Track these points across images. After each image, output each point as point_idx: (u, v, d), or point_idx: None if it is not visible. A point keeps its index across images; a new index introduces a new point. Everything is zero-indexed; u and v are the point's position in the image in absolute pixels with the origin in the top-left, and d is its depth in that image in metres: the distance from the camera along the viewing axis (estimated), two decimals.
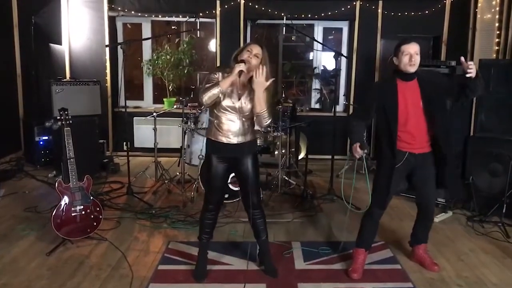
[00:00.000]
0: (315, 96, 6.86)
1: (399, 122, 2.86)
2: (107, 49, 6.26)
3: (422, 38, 6.22)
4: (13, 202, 4.36)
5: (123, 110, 4.80)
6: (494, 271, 3.14)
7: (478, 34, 5.70)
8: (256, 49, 2.75)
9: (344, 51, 6.53)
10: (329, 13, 6.23)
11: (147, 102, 6.82)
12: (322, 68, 6.72)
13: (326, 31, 6.85)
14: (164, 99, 6.61)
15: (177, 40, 6.97)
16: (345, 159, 5.91)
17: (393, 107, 2.86)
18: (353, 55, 6.31)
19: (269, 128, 4.74)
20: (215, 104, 2.78)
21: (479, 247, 3.52)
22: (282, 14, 5.91)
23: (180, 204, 4.31)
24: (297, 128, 5.37)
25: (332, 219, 4.05)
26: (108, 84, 6.42)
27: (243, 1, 6.22)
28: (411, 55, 2.80)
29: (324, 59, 6.77)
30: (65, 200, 3.33)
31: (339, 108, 6.40)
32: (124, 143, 5.26)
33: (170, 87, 6.63)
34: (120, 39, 6.58)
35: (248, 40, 6.44)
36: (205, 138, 3.03)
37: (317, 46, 6.35)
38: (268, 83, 2.70)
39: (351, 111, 6.29)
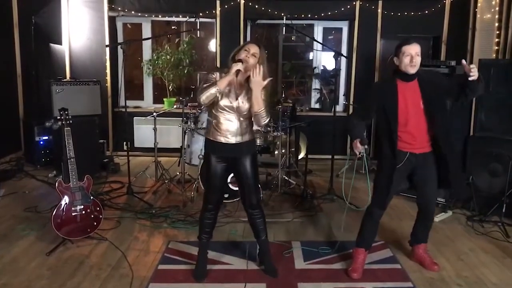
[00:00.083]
0: (315, 96, 6.87)
1: (399, 123, 2.86)
2: (107, 49, 6.26)
3: (422, 38, 6.21)
4: (13, 202, 4.37)
5: (123, 110, 4.81)
6: (494, 271, 3.14)
7: (478, 34, 5.70)
8: (254, 49, 2.76)
9: (344, 51, 6.53)
10: (329, 13, 6.23)
11: (147, 102, 6.83)
12: (322, 68, 6.72)
13: (326, 31, 6.85)
14: (164, 99, 6.61)
15: (177, 40, 6.97)
16: (345, 159, 5.91)
17: (393, 108, 2.86)
18: (353, 55, 6.31)
19: (269, 128, 4.74)
20: (213, 104, 2.79)
21: (479, 247, 3.53)
22: (282, 14, 5.91)
23: (180, 204, 4.32)
24: (297, 128, 5.37)
25: (332, 219, 4.06)
26: (108, 84, 6.42)
27: (243, 1, 6.22)
28: (412, 56, 2.79)
29: (324, 59, 6.77)
30: (65, 200, 3.33)
31: (339, 108, 6.40)
32: (124, 143, 5.26)
33: (170, 87, 6.63)
34: (120, 39, 6.59)
35: (248, 40, 6.44)
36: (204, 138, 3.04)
37: (317, 46, 6.35)
38: (265, 82, 2.71)
39: (351, 111, 6.30)
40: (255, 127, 4.43)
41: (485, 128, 4.26)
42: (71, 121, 3.40)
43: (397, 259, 3.28)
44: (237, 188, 3.93)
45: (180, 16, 6.37)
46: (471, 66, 2.64)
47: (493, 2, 5.33)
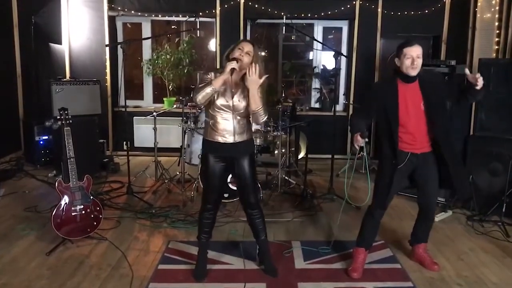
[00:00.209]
0: (315, 95, 6.87)
1: (400, 123, 2.86)
2: (107, 48, 6.26)
3: (422, 37, 6.22)
4: (13, 202, 4.36)
5: (123, 109, 4.81)
6: (494, 270, 3.14)
7: (478, 33, 5.69)
8: (248, 47, 2.76)
9: (344, 50, 6.53)
10: (329, 13, 6.24)
11: (147, 101, 6.82)
12: (322, 67, 6.72)
13: (326, 30, 6.85)
14: (164, 99, 6.61)
15: (177, 40, 6.97)
16: (345, 158, 5.91)
17: (393, 108, 2.85)
18: (353, 54, 6.31)
19: (269, 128, 4.74)
20: (210, 104, 2.80)
21: (479, 247, 3.53)
22: (282, 13, 5.91)
23: (180, 204, 4.32)
24: (297, 128, 5.37)
25: (332, 219, 4.05)
26: (108, 83, 6.42)
27: (243, 1, 6.22)
28: (413, 59, 2.78)
29: (324, 59, 6.77)
30: (65, 199, 3.33)
31: (339, 107, 6.41)
32: (124, 142, 5.26)
33: (170, 86, 6.63)
34: (120, 38, 6.59)
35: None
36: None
37: (317, 45, 6.35)
38: (261, 80, 2.71)
39: (351, 110, 6.30)
40: (255, 127, 4.49)
41: (485, 127, 4.26)
42: (71, 121, 3.40)
43: (397, 259, 3.28)
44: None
45: (180, 16, 6.37)
46: (477, 75, 2.66)
47: (493, 2, 5.33)
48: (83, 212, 3.38)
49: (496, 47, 5.16)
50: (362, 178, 5.17)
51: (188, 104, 4.80)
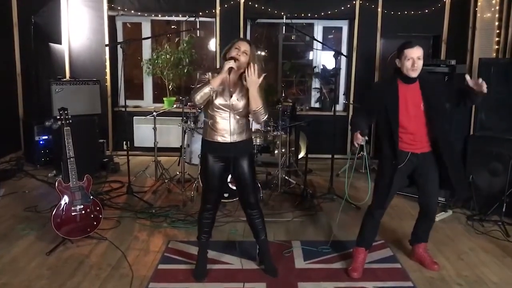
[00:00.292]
0: (315, 95, 6.86)
1: (400, 123, 2.86)
2: (107, 48, 6.26)
3: (422, 37, 6.23)
4: (13, 202, 4.36)
5: (123, 109, 4.81)
6: (494, 270, 3.14)
7: (478, 33, 5.69)
8: (244, 46, 2.77)
9: (344, 50, 6.53)
10: (329, 12, 6.23)
11: (147, 101, 6.82)
12: (322, 67, 6.72)
13: (326, 30, 6.85)
14: (164, 99, 6.61)
15: (177, 40, 6.96)
16: (345, 158, 5.91)
17: (393, 108, 2.85)
18: (353, 54, 6.31)
19: (268, 128, 4.74)
20: (208, 104, 2.80)
21: (479, 246, 3.52)
22: (282, 13, 5.91)
23: (180, 204, 4.32)
24: (297, 127, 5.37)
25: (332, 218, 4.05)
26: (108, 83, 6.42)
27: (243, 0, 6.22)
28: (413, 61, 2.78)
29: (324, 58, 6.76)
30: (65, 199, 3.33)
31: (339, 107, 6.40)
32: (124, 142, 5.26)
33: (170, 86, 6.62)
34: (120, 38, 6.58)
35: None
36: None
37: (317, 45, 6.35)
38: (260, 79, 2.72)
39: (351, 110, 6.31)
40: (255, 126, 4.49)
41: (485, 127, 4.26)
42: (70, 121, 3.40)
43: (397, 259, 3.28)
44: None
45: (180, 16, 6.37)
46: (480, 82, 2.67)
47: (493, 1, 5.33)
48: (83, 212, 3.38)
49: (496, 46, 5.17)
50: (362, 177, 5.18)
51: (188, 104, 4.80)
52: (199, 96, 2.70)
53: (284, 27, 5.39)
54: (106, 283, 2.88)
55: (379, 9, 6.18)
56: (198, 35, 5.78)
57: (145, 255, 3.29)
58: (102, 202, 3.89)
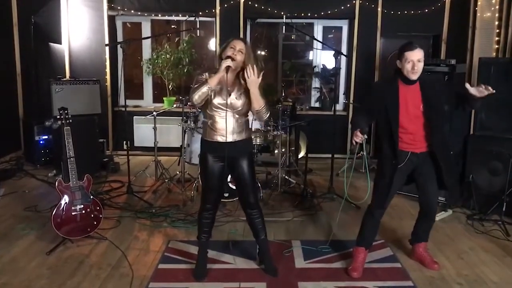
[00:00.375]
0: (315, 95, 6.86)
1: (400, 124, 2.86)
2: (107, 48, 6.25)
3: (422, 36, 6.23)
4: (13, 202, 4.36)
5: (123, 109, 4.81)
6: (494, 270, 3.14)
7: (478, 32, 5.69)
8: (239, 45, 2.77)
9: (344, 49, 6.52)
10: (329, 12, 6.23)
11: (147, 101, 6.82)
12: (321, 67, 6.71)
13: (326, 29, 6.84)
14: (164, 98, 6.61)
15: (176, 39, 6.96)
16: (345, 157, 5.91)
17: (394, 109, 2.86)
18: (353, 53, 6.31)
19: (269, 127, 4.74)
20: (207, 104, 2.80)
21: (479, 246, 3.53)
22: (282, 13, 5.90)
23: (180, 203, 4.32)
24: (297, 127, 5.37)
25: (332, 218, 4.05)
26: (108, 83, 6.42)
27: (243, 0, 6.22)
28: (414, 63, 2.78)
29: (324, 58, 6.76)
30: (65, 199, 3.33)
31: (339, 106, 6.40)
32: (124, 142, 5.26)
33: (170, 86, 6.62)
34: (119, 38, 6.58)
35: (248, 39, 6.44)
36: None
37: (317, 45, 6.35)
38: (260, 79, 2.72)
39: (351, 109, 6.30)
40: (255, 126, 4.48)
41: (485, 126, 4.26)
42: (70, 120, 3.40)
43: (397, 258, 3.28)
44: None
45: (180, 15, 6.37)
46: (483, 87, 2.69)
47: (493, 1, 5.32)
48: (83, 211, 3.38)
49: (496, 46, 5.16)
50: (361, 177, 5.17)
51: (188, 103, 4.79)
52: (197, 96, 2.71)
53: (284, 26, 5.39)
54: (106, 283, 2.88)
55: (379, 9, 6.18)
56: (198, 35, 5.78)
57: (145, 254, 3.29)
58: (102, 202, 3.90)
